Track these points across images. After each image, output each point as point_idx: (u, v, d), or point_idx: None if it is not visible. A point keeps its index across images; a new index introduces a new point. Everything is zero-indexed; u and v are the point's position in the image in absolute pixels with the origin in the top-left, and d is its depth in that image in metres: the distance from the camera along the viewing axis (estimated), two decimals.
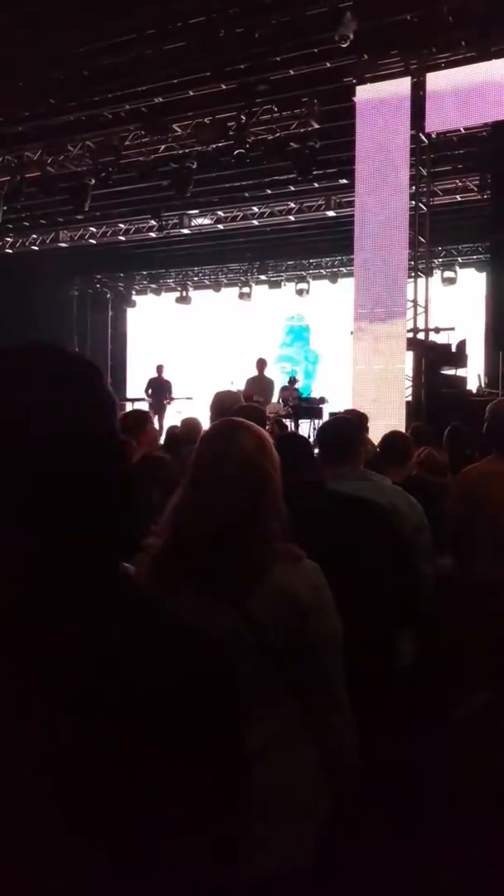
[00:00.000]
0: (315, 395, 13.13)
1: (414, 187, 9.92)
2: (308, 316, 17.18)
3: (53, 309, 16.84)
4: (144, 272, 18.46)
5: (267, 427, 3.67)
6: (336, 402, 11.22)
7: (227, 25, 8.79)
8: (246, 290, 17.19)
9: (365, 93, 9.57)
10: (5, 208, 13.17)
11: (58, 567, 0.75)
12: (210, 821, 0.71)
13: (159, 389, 14.10)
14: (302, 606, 1.51)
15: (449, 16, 8.46)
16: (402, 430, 6.13)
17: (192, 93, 10.08)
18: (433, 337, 10.30)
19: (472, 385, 9.87)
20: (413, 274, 10.01)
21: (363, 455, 2.76)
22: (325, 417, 10.32)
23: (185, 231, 14.78)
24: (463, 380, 9.95)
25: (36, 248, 15.81)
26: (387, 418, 8.72)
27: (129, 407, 13.61)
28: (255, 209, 13.92)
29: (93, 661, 0.72)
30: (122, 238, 15.58)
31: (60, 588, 0.75)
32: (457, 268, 14.95)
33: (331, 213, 13.28)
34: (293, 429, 11.03)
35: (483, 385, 9.75)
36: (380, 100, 9.53)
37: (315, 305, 16.69)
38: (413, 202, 9.90)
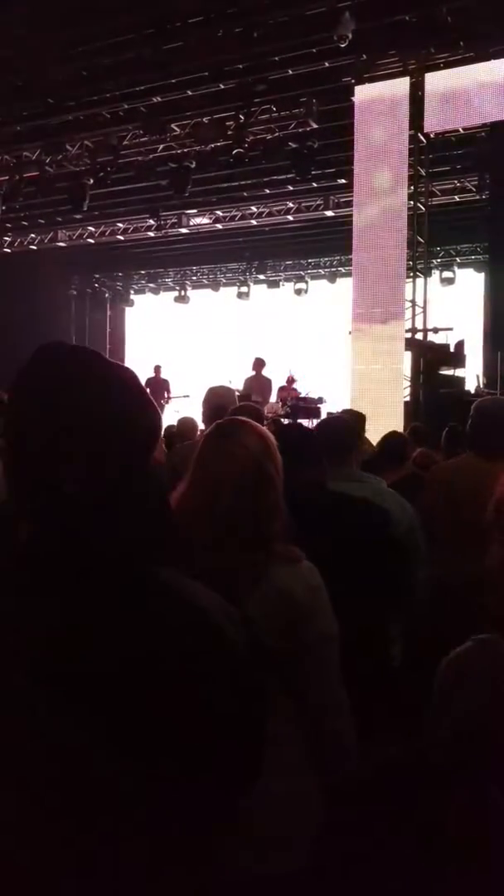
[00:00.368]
0: (313, 394, 13.11)
1: (412, 187, 9.91)
2: (308, 316, 17.14)
3: (52, 308, 16.82)
4: (143, 271, 18.46)
5: (265, 426, 3.65)
6: (334, 403, 11.21)
7: (226, 25, 8.79)
8: (244, 289, 17.20)
9: (363, 93, 9.57)
10: (4, 208, 13.16)
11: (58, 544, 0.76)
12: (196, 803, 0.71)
13: (157, 389, 14.10)
14: (299, 608, 1.51)
15: (447, 16, 8.47)
16: (401, 430, 6.13)
17: (190, 92, 10.07)
18: (431, 337, 10.30)
19: (471, 385, 9.86)
20: (411, 274, 10.01)
21: (357, 456, 2.75)
22: (324, 417, 10.30)
23: (184, 230, 14.77)
24: (461, 380, 9.95)
25: (34, 247, 15.80)
26: (385, 418, 8.72)
27: None
28: (254, 209, 13.91)
29: (77, 631, 0.72)
30: (121, 237, 15.56)
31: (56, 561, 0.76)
32: (455, 268, 14.96)
33: (329, 213, 13.28)
34: None
35: (481, 385, 9.74)
36: (378, 100, 9.53)
37: (313, 305, 16.68)
38: (411, 202, 9.90)
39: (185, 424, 5.31)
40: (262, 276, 17.21)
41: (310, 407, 12.04)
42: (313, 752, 1.52)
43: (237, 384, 11.14)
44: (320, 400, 12.24)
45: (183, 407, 11.65)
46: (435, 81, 9.15)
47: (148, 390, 0.92)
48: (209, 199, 13.62)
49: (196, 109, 10.55)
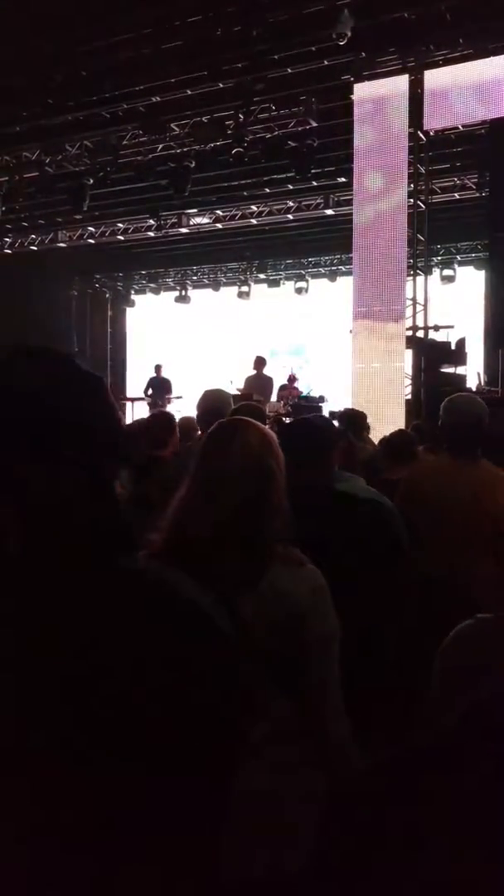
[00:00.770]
0: (314, 393, 13.11)
1: (412, 185, 9.91)
2: (308, 315, 17.13)
3: (52, 309, 16.83)
4: (143, 271, 18.47)
5: (266, 426, 3.64)
6: (335, 401, 11.21)
7: (225, 24, 8.79)
8: (245, 288, 17.20)
9: (363, 91, 9.57)
10: (4, 208, 13.16)
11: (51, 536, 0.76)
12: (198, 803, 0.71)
13: (159, 389, 14.10)
14: (300, 610, 1.51)
15: (447, 13, 8.47)
16: (402, 428, 6.13)
17: (189, 92, 10.07)
18: (432, 335, 10.30)
19: (472, 383, 9.84)
20: (412, 272, 10.01)
21: (337, 455, 2.70)
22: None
23: (184, 230, 14.77)
24: (462, 378, 9.93)
25: (35, 248, 15.81)
26: (386, 417, 8.73)
27: (128, 406, 13.62)
28: (254, 208, 13.91)
29: (77, 631, 0.72)
30: (121, 238, 15.57)
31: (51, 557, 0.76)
32: (456, 266, 14.94)
33: (329, 212, 13.27)
34: None
35: (482, 383, 9.73)
36: (378, 98, 9.53)
37: (314, 304, 16.67)
38: (412, 200, 9.89)
39: (186, 425, 5.28)
40: (262, 276, 17.21)
41: (311, 406, 12.04)
42: (314, 752, 1.52)
43: (238, 383, 11.14)
44: (321, 399, 12.24)
45: (182, 406, 11.65)
46: (434, 79, 9.15)
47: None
48: (209, 198, 13.61)
49: (195, 109, 10.56)
